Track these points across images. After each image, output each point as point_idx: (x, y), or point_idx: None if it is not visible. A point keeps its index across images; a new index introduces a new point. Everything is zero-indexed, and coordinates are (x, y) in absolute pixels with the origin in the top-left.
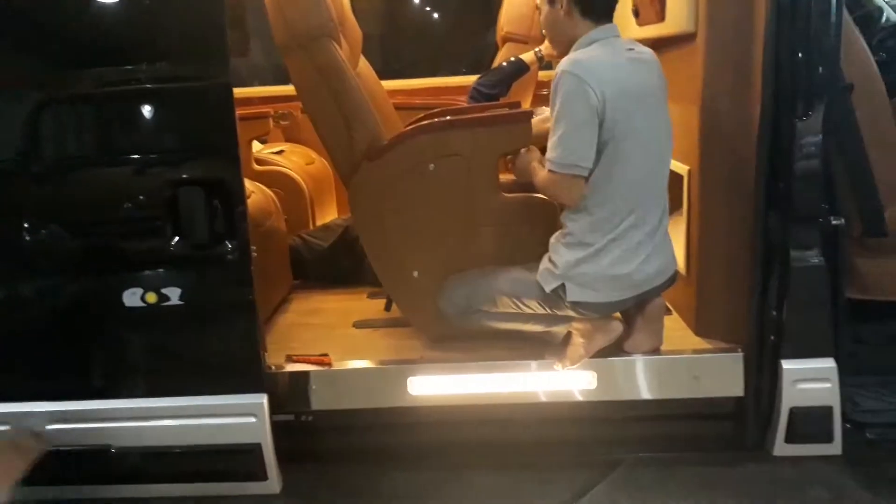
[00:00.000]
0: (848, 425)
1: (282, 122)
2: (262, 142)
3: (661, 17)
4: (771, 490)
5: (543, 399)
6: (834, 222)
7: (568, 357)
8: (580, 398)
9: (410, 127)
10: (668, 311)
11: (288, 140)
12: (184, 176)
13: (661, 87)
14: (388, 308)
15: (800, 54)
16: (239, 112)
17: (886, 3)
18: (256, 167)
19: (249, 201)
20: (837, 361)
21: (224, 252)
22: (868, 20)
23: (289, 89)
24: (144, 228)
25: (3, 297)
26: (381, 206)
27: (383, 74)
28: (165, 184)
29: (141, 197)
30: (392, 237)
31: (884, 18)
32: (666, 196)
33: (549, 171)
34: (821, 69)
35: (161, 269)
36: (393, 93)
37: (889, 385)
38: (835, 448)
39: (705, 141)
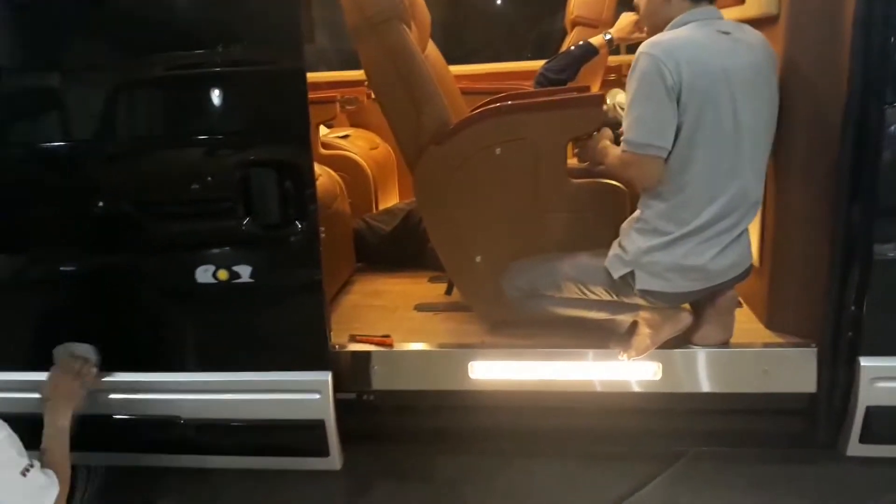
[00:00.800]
0: None
1: (347, 107)
2: (329, 126)
3: None
4: (839, 491)
5: (605, 389)
6: None
7: (634, 347)
8: (644, 389)
9: (477, 111)
10: (740, 304)
11: (353, 125)
12: (256, 157)
13: (762, 71)
14: (448, 292)
15: (893, 38)
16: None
17: None
18: (323, 151)
19: (318, 184)
20: None
21: (294, 233)
22: None
23: (354, 74)
24: (218, 208)
25: (81, 272)
26: (446, 189)
27: (449, 60)
28: (238, 164)
29: (214, 177)
30: (456, 221)
31: None
32: (760, 188)
33: (625, 151)
34: None
35: (233, 248)
36: (458, 77)
37: None
38: None
39: (784, 127)
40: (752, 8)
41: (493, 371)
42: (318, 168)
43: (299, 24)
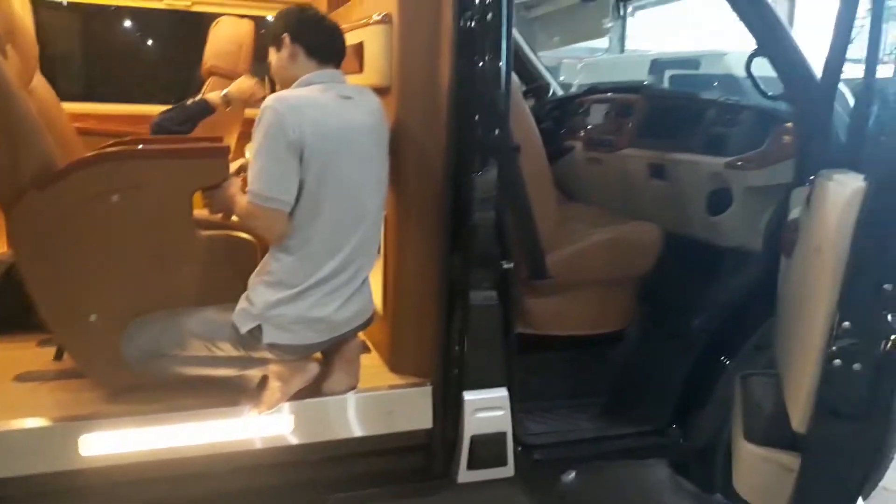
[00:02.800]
0: (519, 448)
1: None
2: None
3: (360, 68)
4: None
5: (238, 448)
6: (505, 266)
7: (264, 402)
8: (278, 443)
9: (92, 154)
10: (367, 349)
11: None
12: None
13: (376, 131)
14: (59, 357)
15: (476, 116)
16: None
17: (559, 83)
18: None
19: None
20: (510, 391)
21: None
22: (539, 92)
23: None
24: None
25: None
26: (51, 240)
27: (79, 96)
28: None
29: None
30: (64, 276)
31: (551, 92)
32: (376, 242)
33: (250, 202)
34: (494, 128)
35: None
36: (83, 117)
37: (552, 410)
38: (508, 471)
39: (398, 187)
40: (370, 77)
41: (109, 444)
42: None
43: None
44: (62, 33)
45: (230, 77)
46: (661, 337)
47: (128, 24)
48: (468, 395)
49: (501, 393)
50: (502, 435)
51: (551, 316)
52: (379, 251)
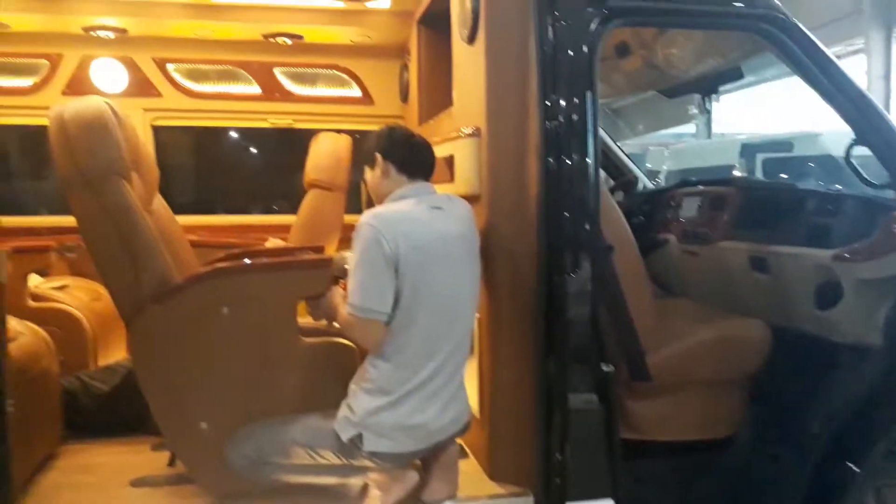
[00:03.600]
0: None
1: (67, 255)
2: (43, 275)
3: (451, 178)
4: None
5: None
6: (605, 369)
7: None
8: None
9: (203, 270)
10: (465, 455)
11: (74, 274)
12: None
13: (467, 238)
14: (172, 463)
15: (566, 214)
16: (15, 243)
17: (643, 172)
18: (31, 303)
19: (16, 344)
20: (616, 501)
21: None
22: (628, 186)
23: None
24: None
25: None
26: (166, 351)
27: (192, 208)
28: None
29: None
30: (178, 385)
31: (640, 186)
32: (467, 346)
33: (349, 314)
34: (585, 227)
35: None
36: (196, 229)
37: None
38: None
39: (492, 291)
40: (461, 187)
41: None
42: (19, 325)
43: None
44: (175, 151)
45: (329, 189)
46: (777, 442)
47: (236, 141)
48: None
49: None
50: None
51: (655, 420)
52: (472, 351)
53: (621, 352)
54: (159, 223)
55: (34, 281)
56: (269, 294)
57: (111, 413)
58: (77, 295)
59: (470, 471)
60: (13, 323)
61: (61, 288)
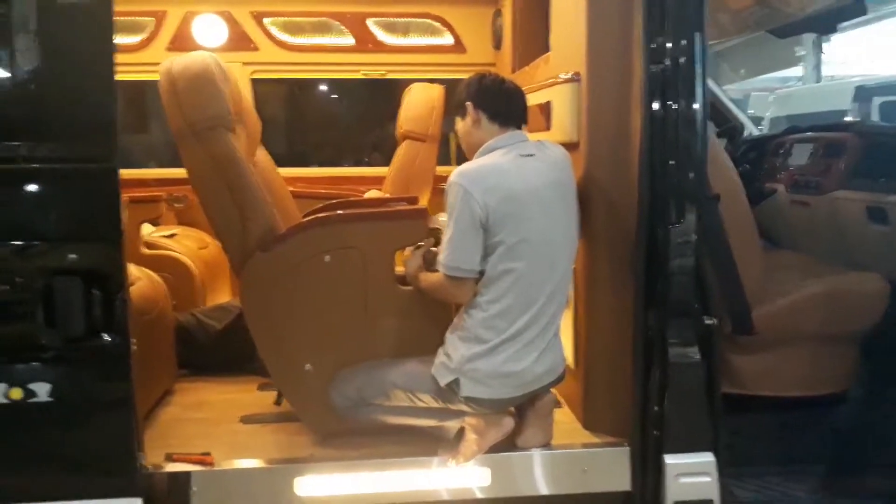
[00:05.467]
0: None
1: (176, 205)
2: (155, 224)
3: (547, 126)
4: None
5: (437, 497)
6: (707, 321)
7: (461, 453)
8: (474, 495)
9: (307, 219)
10: (559, 405)
11: (182, 223)
12: (60, 264)
13: (562, 183)
14: (278, 402)
15: (671, 163)
16: (129, 194)
17: (748, 117)
18: (145, 251)
19: (134, 289)
20: (716, 455)
21: (100, 345)
22: (733, 133)
23: (185, 172)
24: (13, 319)
25: None
26: (273, 296)
27: (287, 160)
28: (40, 271)
29: (12, 285)
30: (284, 329)
31: (746, 132)
32: (565, 295)
33: (439, 270)
34: (691, 175)
35: (29, 363)
36: (294, 180)
37: (762, 476)
38: None
39: (589, 240)
40: (557, 134)
41: (320, 487)
42: (136, 271)
43: (113, 118)
44: (274, 105)
45: (423, 140)
46: (891, 401)
47: (330, 93)
48: (669, 459)
49: (707, 458)
50: (708, 502)
51: (761, 375)
52: (567, 303)
53: (725, 305)
54: (263, 174)
55: (147, 230)
56: (367, 243)
57: (223, 350)
58: (185, 243)
59: (564, 420)
60: (131, 269)
61: (171, 236)
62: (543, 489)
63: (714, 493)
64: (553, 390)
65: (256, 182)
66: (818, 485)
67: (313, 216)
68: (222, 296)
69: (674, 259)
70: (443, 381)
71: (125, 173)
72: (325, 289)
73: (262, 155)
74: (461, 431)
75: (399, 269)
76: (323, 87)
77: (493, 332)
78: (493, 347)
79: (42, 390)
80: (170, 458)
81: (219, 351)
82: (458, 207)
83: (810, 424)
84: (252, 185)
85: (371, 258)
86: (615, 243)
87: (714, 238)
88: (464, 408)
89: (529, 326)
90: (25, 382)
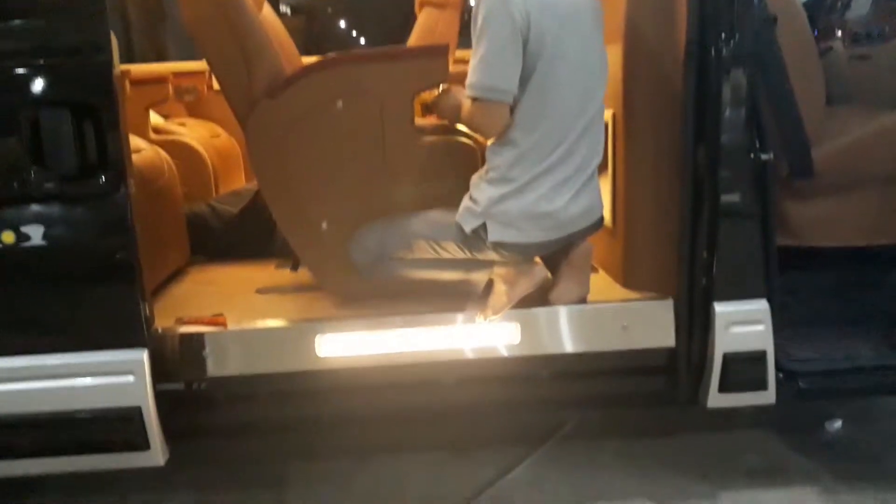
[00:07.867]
0: (780, 374)
1: (186, 97)
2: (164, 117)
3: None
4: (705, 463)
5: (464, 356)
6: (763, 157)
7: (490, 306)
8: (505, 353)
9: (316, 62)
10: (595, 270)
11: (192, 116)
12: (46, 94)
13: (595, 13)
14: (294, 268)
15: None
16: (133, 75)
17: None
18: (154, 136)
19: (139, 156)
20: (770, 304)
21: (95, 185)
22: None
23: (193, 65)
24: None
25: None
26: (283, 148)
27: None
28: (24, 102)
29: None
30: (296, 184)
31: None
32: (600, 132)
33: (469, 97)
34: None
35: (20, 205)
36: None
37: (820, 334)
38: (769, 396)
39: (629, 80)
40: None
41: (342, 345)
42: (142, 143)
43: None
44: None
45: (443, 6)
46: None
47: None
48: (720, 307)
49: (761, 305)
50: (762, 353)
51: (820, 224)
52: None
53: (782, 143)
54: (270, 28)
55: (156, 120)
56: (384, 87)
57: (240, 231)
58: (197, 131)
59: (601, 282)
60: (135, 140)
61: (181, 125)
62: (579, 347)
63: (768, 343)
64: (590, 241)
65: (263, 29)
66: (880, 341)
67: (322, 59)
68: (235, 185)
69: (726, 87)
70: (468, 227)
71: (134, 69)
72: (338, 139)
73: (268, 13)
74: (489, 284)
75: (420, 120)
76: None
77: (522, 170)
78: (523, 185)
79: (36, 233)
80: (180, 321)
81: (235, 233)
82: (496, 17)
83: (874, 278)
84: (257, 28)
85: (388, 104)
86: (658, 73)
87: (771, 64)
88: (492, 256)
89: (563, 162)
90: (17, 225)
